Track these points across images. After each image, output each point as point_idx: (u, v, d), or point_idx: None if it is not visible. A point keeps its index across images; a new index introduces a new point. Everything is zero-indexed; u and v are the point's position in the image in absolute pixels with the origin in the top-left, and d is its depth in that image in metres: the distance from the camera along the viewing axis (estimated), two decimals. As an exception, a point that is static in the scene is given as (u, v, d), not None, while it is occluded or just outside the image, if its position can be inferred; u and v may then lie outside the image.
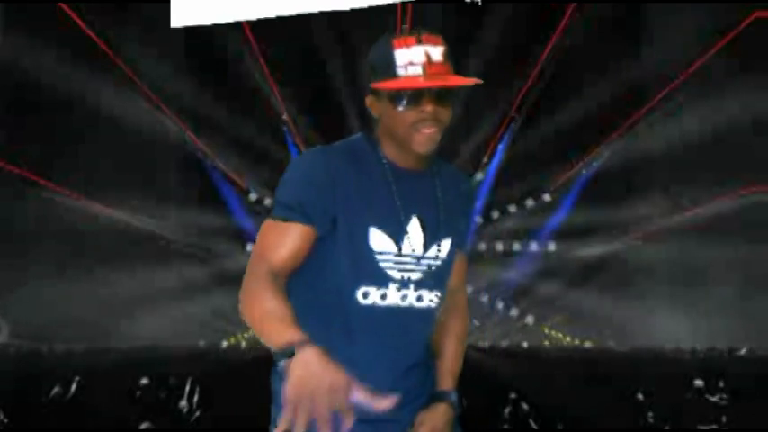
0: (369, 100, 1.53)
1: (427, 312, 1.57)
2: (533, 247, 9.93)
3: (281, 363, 1.22)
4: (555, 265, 9.52)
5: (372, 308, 1.49)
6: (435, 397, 1.64)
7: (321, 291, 1.50)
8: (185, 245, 8.82)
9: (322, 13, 7.98)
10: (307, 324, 1.30)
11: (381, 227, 1.50)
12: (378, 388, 1.37)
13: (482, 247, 9.85)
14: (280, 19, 7.88)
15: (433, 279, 1.56)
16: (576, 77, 8.72)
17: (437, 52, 1.45)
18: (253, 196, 9.21)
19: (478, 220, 9.86)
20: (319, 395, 1.13)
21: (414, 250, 1.53)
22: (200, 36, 8.20)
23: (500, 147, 9.66)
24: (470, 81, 1.48)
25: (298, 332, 1.25)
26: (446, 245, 1.58)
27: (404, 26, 1.52)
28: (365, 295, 1.50)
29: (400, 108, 1.46)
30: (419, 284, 1.54)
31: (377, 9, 7.92)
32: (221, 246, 8.85)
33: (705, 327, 8.16)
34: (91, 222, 7.94)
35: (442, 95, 1.46)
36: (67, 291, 7.15)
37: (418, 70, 1.43)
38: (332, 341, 1.33)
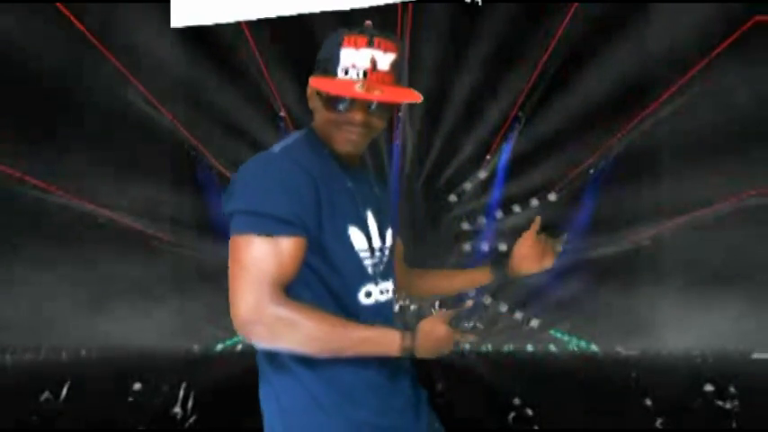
0: (309, 90, 1.48)
1: (392, 302, 1.59)
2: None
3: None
4: (561, 267, 9.39)
5: (375, 306, 1.49)
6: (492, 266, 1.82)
7: (317, 297, 1.41)
8: (178, 245, 8.72)
9: (323, 13, 7.95)
10: None
11: (356, 224, 1.46)
12: (401, 388, 1.51)
13: (485, 247, 9.76)
14: (280, 19, 7.85)
15: (389, 269, 1.57)
16: (578, 76, 8.64)
17: (385, 60, 1.39)
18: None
19: (481, 219, 9.79)
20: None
21: (376, 243, 1.51)
22: (196, 32, 8.14)
23: (505, 146, 9.57)
24: (409, 98, 1.41)
25: (383, 331, 1.36)
26: (389, 234, 1.58)
27: (365, 23, 1.44)
28: (368, 295, 1.48)
29: (331, 110, 1.42)
30: (384, 276, 1.54)
31: (378, 9, 7.89)
32: (216, 247, 8.73)
33: (715, 330, 8.05)
34: (81, 222, 7.87)
35: (376, 106, 1.41)
36: (56, 292, 7.07)
37: (359, 75, 1.37)
38: None
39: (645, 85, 8.85)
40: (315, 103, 1.47)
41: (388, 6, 8.02)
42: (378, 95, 1.36)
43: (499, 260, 1.84)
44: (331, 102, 1.41)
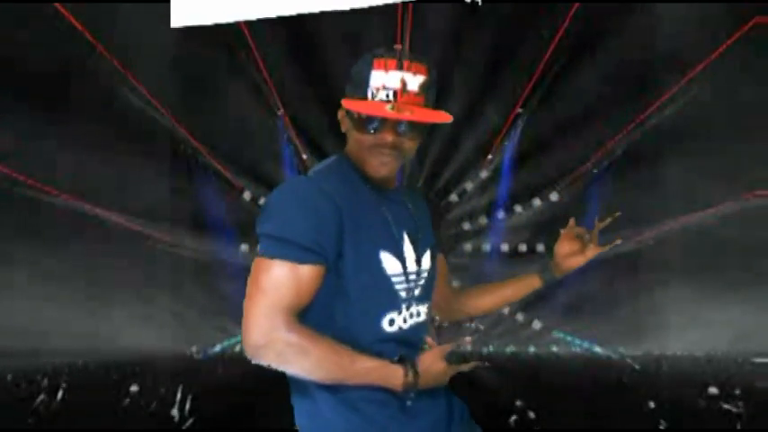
0: (340, 113, 1.51)
1: (425, 325, 1.59)
2: (540, 248, 9.77)
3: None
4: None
5: (398, 333, 1.48)
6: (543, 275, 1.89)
7: (332, 327, 1.40)
8: (176, 246, 8.68)
9: (323, 14, 7.92)
10: None
11: (388, 249, 1.46)
12: (427, 407, 1.49)
13: (486, 248, 9.72)
14: (280, 18, 7.82)
15: (425, 292, 1.57)
16: (579, 76, 8.60)
17: (415, 81, 1.42)
18: (247, 195, 9.10)
19: (483, 220, 9.75)
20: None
21: (411, 267, 1.51)
22: (196, 32, 8.11)
23: (508, 145, 9.52)
24: (438, 119, 1.43)
25: (387, 365, 1.40)
26: (427, 257, 1.59)
27: (398, 46, 1.45)
28: (391, 322, 1.46)
29: (361, 131, 1.44)
30: (419, 300, 1.54)
31: (378, 9, 7.86)
32: (213, 247, 8.70)
33: (720, 333, 8.02)
34: (78, 223, 7.82)
35: (406, 127, 1.43)
36: (53, 294, 7.03)
37: (388, 97, 1.40)
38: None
39: (646, 85, 8.82)
40: (346, 126, 1.51)
41: (387, 6, 7.99)
42: (407, 116, 1.39)
43: (543, 264, 1.91)
44: (361, 123, 1.44)
